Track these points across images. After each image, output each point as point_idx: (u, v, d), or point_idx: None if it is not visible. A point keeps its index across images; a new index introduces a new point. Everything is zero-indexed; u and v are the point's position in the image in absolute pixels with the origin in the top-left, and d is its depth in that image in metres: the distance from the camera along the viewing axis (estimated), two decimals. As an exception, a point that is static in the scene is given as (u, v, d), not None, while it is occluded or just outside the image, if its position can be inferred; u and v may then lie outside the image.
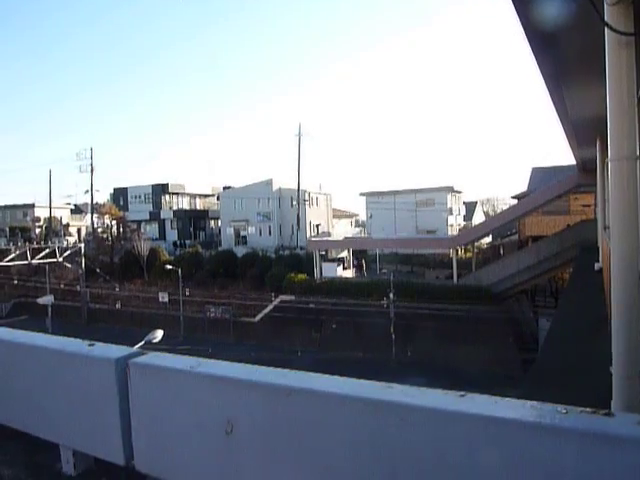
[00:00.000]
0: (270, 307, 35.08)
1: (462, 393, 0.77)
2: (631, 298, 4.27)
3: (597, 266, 16.16)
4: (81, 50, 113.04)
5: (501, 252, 43.94)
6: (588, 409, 0.71)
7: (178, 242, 54.34)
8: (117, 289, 42.66)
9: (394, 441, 0.75)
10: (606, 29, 4.14)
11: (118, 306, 40.67)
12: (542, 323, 28.92)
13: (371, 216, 55.56)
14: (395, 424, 0.75)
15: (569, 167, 31.64)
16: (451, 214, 54.35)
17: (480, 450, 0.71)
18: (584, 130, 14.83)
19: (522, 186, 46.51)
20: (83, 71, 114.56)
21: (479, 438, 0.71)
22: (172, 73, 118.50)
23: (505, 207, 53.88)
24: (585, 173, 27.60)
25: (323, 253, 40.41)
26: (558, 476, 0.66)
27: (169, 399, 1.01)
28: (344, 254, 42.53)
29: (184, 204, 61.40)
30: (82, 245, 45.91)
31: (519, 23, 6.61)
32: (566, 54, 7.58)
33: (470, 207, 63.75)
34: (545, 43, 7.04)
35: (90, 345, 1.18)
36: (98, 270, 45.17)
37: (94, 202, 55.66)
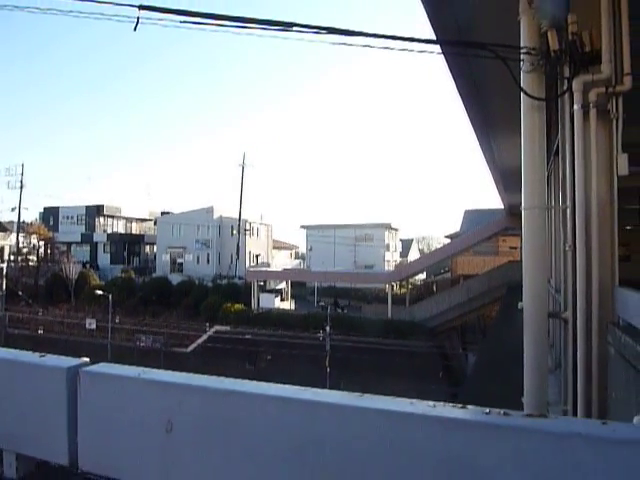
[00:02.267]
0: (204, 337, 34.26)
1: (360, 394, 0.96)
2: (540, 335, 4.71)
3: (520, 305, 17.21)
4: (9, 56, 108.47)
5: (434, 289, 45.53)
6: (450, 404, 0.91)
7: (110, 266, 52.29)
8: (40, 313, 40.20)
9: (309, 433, 0.92)
10: (522, 93, 4.69)
11: (40, 332, 38.24)
12: (470, 358, 30.03)
13: (311, 249, 56.06)
14: (308, 419, 0.92)
15: (498, 210, 33.68)
16: (388, 250, 55.83)
17: (374, 439, 0.90)
18: (510, 177, 16.02)
19: (456, 226, 48.79)
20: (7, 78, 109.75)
21: (373, 429, 0.90)
22: (115, 97, 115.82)
23: (439, 245, 56.07)
24: (512, 217, 29.47)
25: (262, 284, 40.21)
26: (422, 458, 0.85)
27: (116, 403, 1.13)
28: (282, 285, 42.50)
29: (119, 227, 59.34)
30: (4, 265, 43.17)
31: (452, 81, 7.25)
32: (493, 112, 8.33)
33: (406, 244, 65.77)
34: (474, 101, 7.73)
35: (41, 356, 1.27)
36: (20, 293, 42.46)
37: (21, 220, 52.71)
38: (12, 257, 54.15)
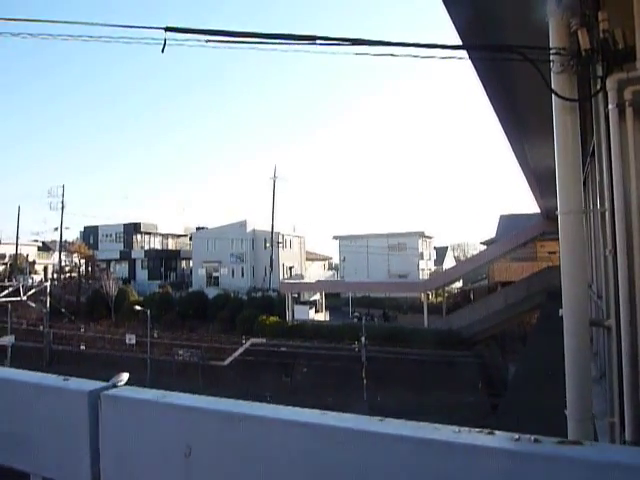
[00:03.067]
0: (240, 350, 34.52)
1: (381, 418, 0.92)
2: (582, 343, 4.52)
3: (561, 312, 16.69)
4: (53, 86, 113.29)
5: (471, 297, 44.68)
6: (476, 429, 0.85)
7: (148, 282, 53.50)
8: (82, 330, 41.40)
9: (327, 459, 0.89)
10: (553, 95, 4.56)
11: (83, 347, 39.35)
12: (511, 368, 29.21)
13: (344, 259, 55.98)
14: (327, 445, 0.89)
15: (535, 215, 32.91)
16: (422, 259, 55.19)
17: (395, 467, 0.85)
18: (546, 182, 15.61)
19: (491, 232, 47.89)
20: (54, 108, 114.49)
21: (393, 455, 0.86)
22: (148, 113, 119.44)
23: (475, 252, 55.09)
24: (549, 221, 28.74)
25: (296, 295, 40.32)
26: None
27: (136, 428, 1.13)
28: (317, 297, 42.52)
29: (156, 244, 60.76)
30: (48, 284, 44.73)
31: (481, 86, 7.14)
32: (524, 115, 8.15)
33: (441, 252, 64.89)
34: (505, 106, 7.58)
35: (65, 379, 1.28)
36: (63, 310, 43.89)
37: (63, 240, 54.68)
38: (55, 275, 56.17)
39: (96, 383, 1.21)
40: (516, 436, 0.82)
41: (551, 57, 4.67)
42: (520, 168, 14.91)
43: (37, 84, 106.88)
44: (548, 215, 26.95)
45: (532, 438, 0.80)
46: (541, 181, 16.00)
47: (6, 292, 41.09)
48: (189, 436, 1.04)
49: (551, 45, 4.67)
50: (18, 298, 40.82)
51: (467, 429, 0.83)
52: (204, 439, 1.01)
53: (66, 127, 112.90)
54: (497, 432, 0.83)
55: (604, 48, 4.55)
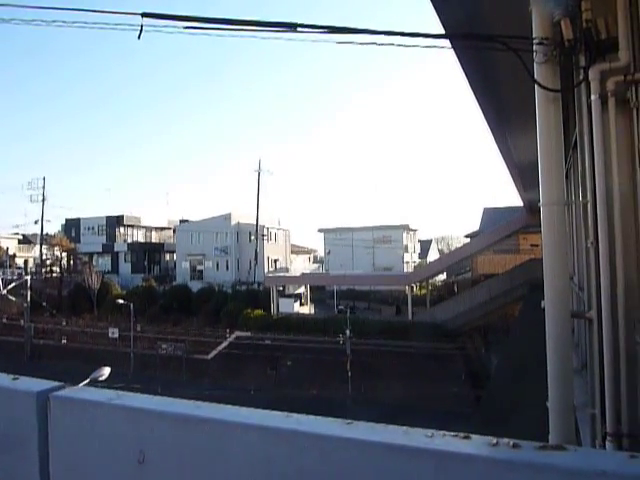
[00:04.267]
0: (225, 344, 34.36)
1: (349, 421, 0.85)
2: (563, 335, 4.51)
3: (543, 304, 16.88)
4: (42, 87, 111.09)
5: (455, 289, 45.01)
6: (451, 432, 0.79)
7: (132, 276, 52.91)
8: (64, 324, 40.81)
9: (289, 465, 0.82)
10: (536, 86, 4.51)
11: (64, 342, 38.80)
12: (494, 359, 29.54)
13: (329, 252, 55.97)
14: (288, 450, 0.82)
15: (518, 208, 33.19)
16: (407, 251, 55.44)
17: (362, 475, 0.79)
18: (529, 174, 15.70)
19: (475, 225, 48.25)
20: (44, 105, 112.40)
21: (359, 461, 0.79)
22: (131, 106, 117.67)
23: (459, 245, 55.46)
24: (532, 214, 28.99)
25: (281, 289, 40.22)
26: None
27: (87, 431, 1.05)
28: (302, 290, 42.47)
29: (139, 237, 60.04)
30: (28, 277, 43.94)
31: (464, 76, 7.09)
32: (507, 107, 8.12)
33: (425, 245, 65.25)
34: (487, 97, 7.54)
35: (15, 379, 1.19)
36: (44, 304, 43.19)
37: (44, 233, 53.72)
38: (36, 269, 55.24)
39: (46, 383, 1.13)
40: (494, 440, 0.76)
41: (534, 47, 4.61)
42: (504, 161, 14.96)
43: (28, 85, 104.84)
44: (531, 208, 27.19)
45: (511, 443, 0.74)
46: (524, 174, 16.08)
47: (-15, 286, 40.33)
48: (143, 441, 0.97)
49: (534, 35, 4.61)
50: (-3, 292, 40.09)
51: (441, 433, 0.76)
52: (159, 444, 0.94)
53: (53, 126, 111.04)
54: (473, 436, 0.76)
55: (587, 38, 4.51)
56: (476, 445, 0.76)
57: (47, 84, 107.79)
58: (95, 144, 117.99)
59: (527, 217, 31.48)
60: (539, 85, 4.45)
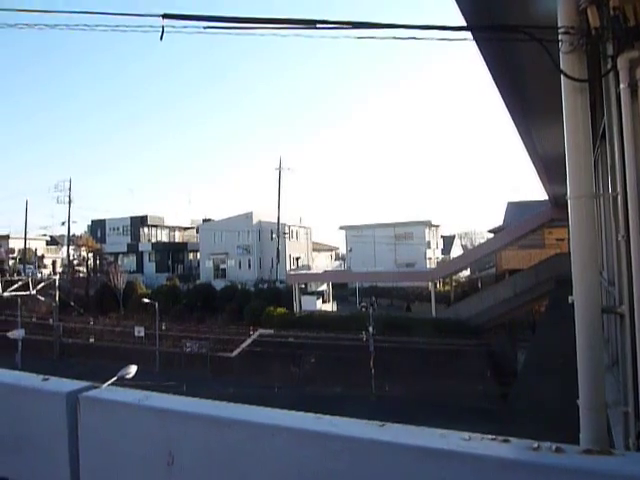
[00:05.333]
0: (248, 341, 34.60)
1: (382, 423, 0.82)
2: (594, 331, 4.39)
3: (570, 299, 16.53)
4: (63, 87, 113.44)
5: (479, 285, 44.46)
6: (489, 436, 0.76)
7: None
8: (91, 323, 41.66)
9: (320, 468, 0.80)
10: (562, 76, 4.40)
11: (92, 340, 39.62)
12: (520, 356, 29.11)
13: (351, 249, 55.85)
14: (320, 453, 0.80)
15: (543, 202, 32.57)
16: (429, 247, 54.97)
17: (392, 476, 0.76)
18: (554, 167, 15.38)
19: (498, 220, 47.57)
20: (64, 105, 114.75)
21: (392, 464, 0.76)
22: (150, 105, 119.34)
23: (482, 241, 54.75)
24: (558, 208, 28.42)
25: (303, 286, 40.30)
26: None
27: (117, 433, 1.04)
28: (324, 287, 42.49)
29: (163, 237, 60.87)
30: (57, 277, 44.96)
31: (486, 69, 6.96)
32: (531, 99, 7.95)
33: (448, 241, 64.61)
34: (511, 89, 7.39)
35: (45, 379, 1.20)
36: (72, 303, 44.16)
37: (71, 234, 54.88)
38: (63, 269, 56.49)
39: (76, 384, 1.13)
40: (535, 444, 0.71)
41: (560, 36, 4.49)
42: (528, 154, 14.67)
43: (47, 84, 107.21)
44: (556, 201, 26.64)
45: (553, 447, 0.69)
46: (549, 167, 15.75)
47: (16, 286, 41.38)
48: (172, 442, 0.96)
49: (559, 24, 4.50)
50: (27, 292, 41.11)
51: (479, 436, 0.72)
52: (188, 446, 0.93)
53: (76, 126, 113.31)
54: (513, 440, 0.73)
55: (615, 26, 4.38)
56: (516, 449, 0.72)
57: (64, 84, 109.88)
58: (116, 144, 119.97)
59: (552, 211, 30.86)
60: (565, 75, 4.33)
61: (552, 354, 9.98)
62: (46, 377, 1.22)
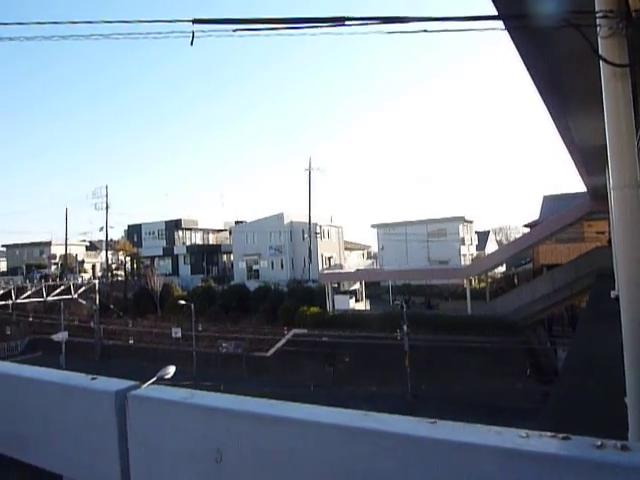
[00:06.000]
0: (283, 341, 34.83)
1: (433, 420, 0.80)
2: (641, 326, 4.23)
3: (613, 294, 15.94)
4: (91, 92, 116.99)
5: (515, 281, 43.49)
6: (549, 433, 0.72)
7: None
8: (130, 325, 42.79)
9: (368, 466, 0.78)
10: (601, 62, 4.25)
11: (131, 342, 40.68)
12: (560, 353, 28.33)
13: (383, 248, 55.51)
14: (369, 450, 0.78)
15: (580, 194, 31.62)
16: (463, 244, 54.09)
17: (447, 475, 0.74)
18: (592, 158, 14.91)
19: (534, 214, 46.42)
20: (97, 111, 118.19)
21: (446, 462, 0.74)
22: (182, 111, 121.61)
23: (518, 236, 53.55)
24: (597, 200, 27.54)
25: (335, 286, 40.28)
26: None
27: (165, 430, 1.06)
28: (356, 286, 42.35)
29: (197, 239, 61.92)
30: (96, 282, 46.35)
31: (520, 59, 6.79)
32: (568, 88, 7.71)
33: (482, 236, 63.43)
34: (546, 78, 7.19)
35: (93, 379, 1.23)
36: (112, 306, 45.46)
37: (109, 239, 56.43)
38: (102, 273, 58.16)
39: (123, 382, 1.15)
40: (598, 442, 0.67)
41: (597, 21, 4.34)
42: (564, 145, 14.25)
43: (80, 87, 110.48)
44: (595, 193, 25.80)
45: (619, 444, 0.65)
46: (587, 158, 15.26)
47: (58, 290, 42.90)
48: (220, 440, 0.96)
49: (597, 8, 4.35)
50: (69, 296, 42.56)
51: (537, 433, 0.69)
52: (236, 443, 0.93)
53: (108, 130, 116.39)
54: (574, 437, 0.69)
55: (657, 7, 4.21)
56: (578, 447, 0.69)
57: (97, 85, 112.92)
58: (148, 148, 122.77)
59: (591, 203, 29.90)
60: (605, 61, 4.19)
61: (595, 351, 9.67)
62: (94, 376, 1.25)
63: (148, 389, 1.11)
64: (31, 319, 45.98)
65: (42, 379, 1.32)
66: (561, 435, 0.72)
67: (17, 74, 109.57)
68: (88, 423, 1.15)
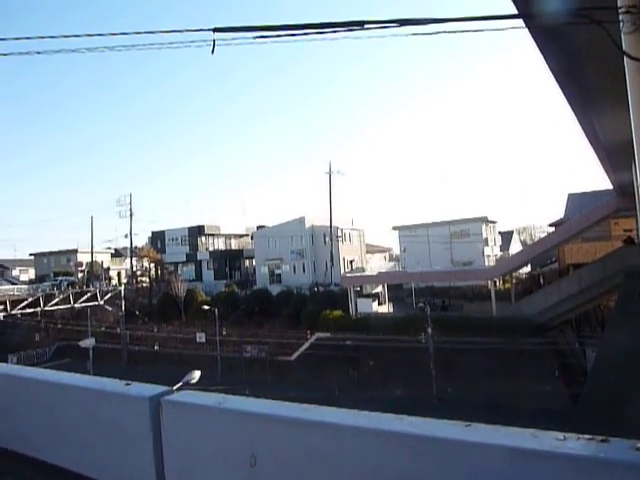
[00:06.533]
0: (306, 345, 34.85)
1: (468, 423, 0.80)
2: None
3: (643, 293, 15.60)
4: (110, 99, 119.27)
5: (541, 282, 42.72)
6: (586, 435, 0.72)
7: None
8: (156, 330, 43.36)
9: (403, 470, 0.79)
10: (625, 57, 4.18)
11: (157, 347, 41.21)
12: (589, 354, 27.73)
13: (405, 250, 55.17)
14: (404, 454, 0.79)
15: (606, 192, 30.98)
16: (487, 245, 53.42)
17: (484, 478, 0.74)
18: (618, 155, 14.61)
19: (559, 213, 45.65)
20: (116, 117, 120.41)
21: (482, 466, 0.74)
22: (201, 117, 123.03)
23: (542, 235, 52.64)
24: (624, 197, 26.96)
25: (358, 289, 40.16)
26: None
27: (198, 434, 1.08)
28: (379, 289, 42.16)
29: (219, 245, 62.46)
30: (122, 288, 47.13)
31: (541, 57, 6.71)
32: (591, 85, 7.58)
33: (506, 237, 62.53)
34: (569, 76, 7.08)
35: (127, 384, 1.26)
36: (137, 312, 46.14)
37: (133, 246, 57.31)
38: (127, 280, 59.11)
39: (156, 388, 1.18)
40: (638, 444, 0.67)
41: (620, 17, 4.28)
42: (589, 142, 13.99)
43: (96, 95, 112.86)
44: (622, 190, 25.25)
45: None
46: (613, 155, 14.96)
47: (85, 297, 43.77)
48: (254, 444, 0.98)
49: (619, 4, 4.29)
50: (96, 302, 43.39)
51: (574, 436, 0.69)
52: (270, 447, 0.94)
53: (127, 137, 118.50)
54: (613, 440, 0.69)
55: (682, 0, 4.13)
56: (617, 449, 0.68)
57: (112, 94, 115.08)
58: (168, 154, 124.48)
59: (618, 200, 29.26)
60: (629, 57, 4.12)
61: (626, 351, 9.45)
62: (128, 382, 1.28)
63: (181, 394, 1.14)
64: (59, 326, 46.99)
65: (79, 385, 1.36)
66: (599, 438, 0.71)
67: (33, 84, 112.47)
68: (123, 428, 1.18)
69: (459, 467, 0.74)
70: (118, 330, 43.46)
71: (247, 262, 61.21)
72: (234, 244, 64.53)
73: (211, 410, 1.06)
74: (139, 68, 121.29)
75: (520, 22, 5.15)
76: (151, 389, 1.18)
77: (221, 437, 1.04)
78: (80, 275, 61.29)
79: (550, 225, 44.72)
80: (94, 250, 59.53)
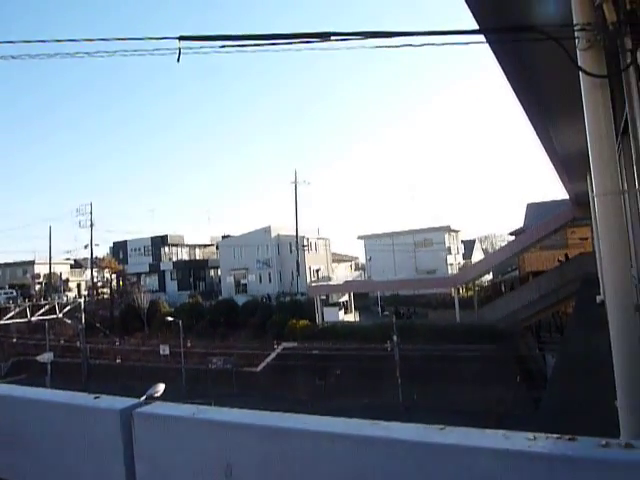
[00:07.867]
0: (273, 355, 34.59)
1: (441, 426, 0.81)
2: (629, 330, 4.30)
3: (599, 299, 16.16)
4: (77, 109, 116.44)
5: (502, 289, 43.82)
6: (554, 435, 0.75)
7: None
8: (117, 343, 42.18)
9: (381, 475, 0.79)
10: (581, 73, 4.37)
11: (118, 361, 40.06)
12: (549, 359, 28.54)
13: (370, 259, 55.63)
14: (381, 459, 0.79)
15: (563, 201, 32.11)
16: (450, 253, 54.46)
17: (458, 478, 0.75)
18: (574, 166, 15.19)
19: (519, 222, 47.01)
20: (80, 128, 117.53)
21: (459, 467, 0.76)
22: (166, 125, 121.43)
23: (503, 244, 54.07)
24: (579, 206, 27.99)
25: (324, 298, 40.21)
26: None
27: (172, 446, 1.06)
28: (345, 298, 42.32)
29: (183, 255, 61.48)
30: (82, 300, 45.70)
31: (501, 71, 6.94)
32: (549, 98, 7.89)
33: (469, 245, 63.94)
34: (527, 90, 7.35)
35: (96, 397, 1.23)
36: (98, 325, 44.79)
37: (94, 256, 55.80)
38: (88, 292, 57.40)
39: (127, 400, 1.15)
40: (603, 441, 0.70)
41: (576, 34, 4.47)
42: (546, 154, 14.51)
43: (65, 105, 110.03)
44: (578, 200, 26.23)
45: (623, 443, 0.68)
46: (569, 165, 15.56)
47: (42, 310, 42.20)
48: (229, 454, 0.97)
49: (575, 21, 4.48)
50: (54, 316, 41.88)
51: (544, 435, 0.72)
52: (246, 457, 0.93)
53: (91, 147, 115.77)
54: (580, 438, 0.72)
55: (632, 20, 4.35)
56: (584, 447, 0.71)
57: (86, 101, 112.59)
58: (130, 163, 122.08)
59: (574, 210, 30.39)
60: (584, 72, 4.31)
61: (584, 356, 9.77)
62: (97, 395, 1.25)
63: (153, 405, 1.11)
64: (15, 340, 45.13)
65: (46, 400, 1.31)
66: (567, 436, 0.74)
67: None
68: (93, 443, 1.14)
69: (436, 470, 0.75)
70: (78, 344, 42.03)
71: (212, 272, 60.40)
72: (199, 254, 63.64)
73: (185, 421, 1.04)
74: (109, 78, 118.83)
75: (481, 37, 5.32)
76: (122, 402, 1.15)
77: (196, 448, 1.02)
78: (37, 287, 59.15)
79: (510, 234, 46.02)
80: (52, 261, 57.63)
